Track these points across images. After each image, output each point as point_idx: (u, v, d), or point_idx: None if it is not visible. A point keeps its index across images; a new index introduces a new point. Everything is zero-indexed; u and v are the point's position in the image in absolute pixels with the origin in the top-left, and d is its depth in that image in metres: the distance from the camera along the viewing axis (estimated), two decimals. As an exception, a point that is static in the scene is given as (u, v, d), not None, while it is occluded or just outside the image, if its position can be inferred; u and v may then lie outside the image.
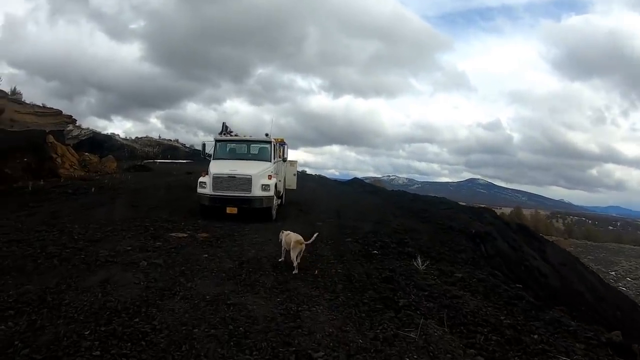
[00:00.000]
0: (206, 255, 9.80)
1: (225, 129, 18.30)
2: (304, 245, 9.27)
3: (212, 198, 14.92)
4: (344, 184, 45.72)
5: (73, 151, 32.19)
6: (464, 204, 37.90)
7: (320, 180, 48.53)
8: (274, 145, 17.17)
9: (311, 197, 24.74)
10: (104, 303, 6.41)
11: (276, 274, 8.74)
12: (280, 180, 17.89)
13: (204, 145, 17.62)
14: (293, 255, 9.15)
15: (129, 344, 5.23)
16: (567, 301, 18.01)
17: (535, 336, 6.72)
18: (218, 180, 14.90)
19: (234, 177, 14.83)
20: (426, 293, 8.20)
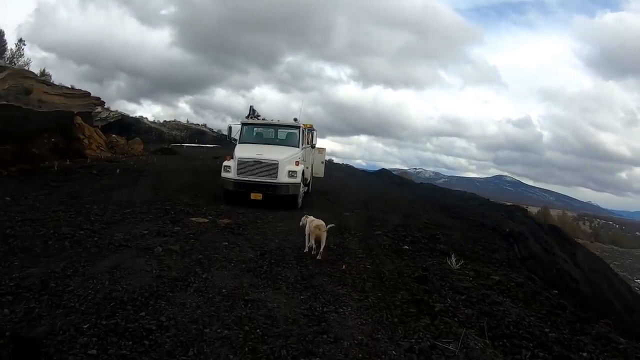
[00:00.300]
0: (226, 243, 9.21)
1: (252, 113, 17.68)
2: (325, 232, 8.82)
3: (237, 183, 14.31)
4: (372, 175, 44.63)
5: (100, 133, 32.11)
6: (493, 201, 36.86)
7: (348, 169, 47.55)
8: (303, 130, 16.48)
9: (338, 186, 24.03)
10: (109, 292, 5.84)
11: (300, 267, 8.08)
12: (307, 168, 17.21)
13: (230, 128, 17.01)
14: (311, 241, 8.88)
15: (130, 342, 4.64)
16: (597, 309, 17.08)
17: (585, 354, 5.98)
18: (243, 165, 14.29)
19: (260, 161, 14.20)
20: (463, 297, 7.43)
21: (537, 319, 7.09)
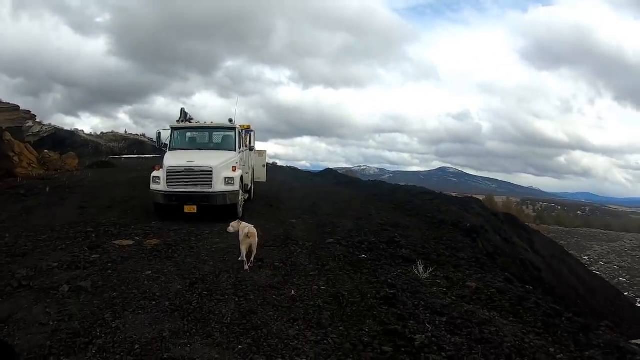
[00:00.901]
0: (149, 272, 7.59)
1: (184, 116, 15.88)
2: (254, 240, 8.18)
3: (167, 195, 12.58)
4: (317, 176, 42.83)
5: (32, 149, 29.90)
6: (453, 194, 36.24)
7: (292, 172, 45.58)
8: (239, 132, 14.89)
9: (283, 190, 22.47)
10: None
11: (239, 299, 6.52)
12: (247, 173, 15.70)
13: (159, 134, 15.21)
14: (243, 250, 8.16)
15: None
16: (563, 295, 16.42)
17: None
18: (173, 174, 12.56)
19: (192, 169, 12.50)
20: (444, 319, 6.09)
21: (535, 336, 5.93)
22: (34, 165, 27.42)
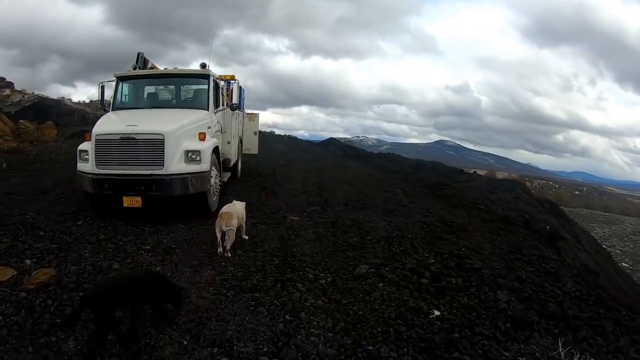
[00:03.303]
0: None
1: (142, 63, 10.90)
2: (225, 226, 6.33)
3: (96, 180, 7.74)
4: (319, 146, 37.03)
5: (6, 119, 28.21)
6: (485, 173, 31.47)
7: (291, 141, 39.73)
8: (216, 82, 9.90)
9: (280, 164, 17.52)
10: None
11: None
12: (229, 142, 10.86)
13: (102, 88, 10.02)
14: (217, 231, 6.43)
15: None
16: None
17: None
18: (104, 147, 7.71)
19: (132, 138, 7.57)
20: None
21: None
22: (6, 137, 25.15)
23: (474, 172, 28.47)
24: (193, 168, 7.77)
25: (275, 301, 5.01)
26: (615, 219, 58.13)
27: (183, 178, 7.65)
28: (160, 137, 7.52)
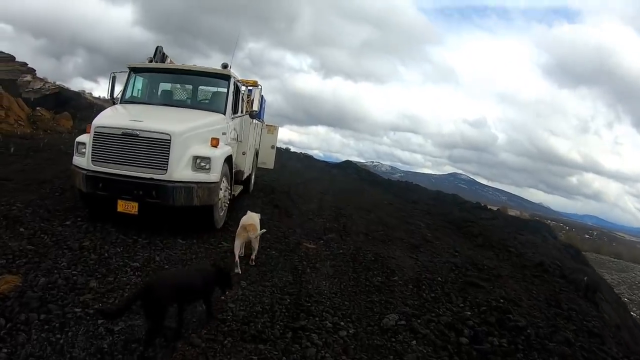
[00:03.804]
0: None
1: (160, 57, 9.98)
2: (253, 235, 6.03)
3: (91, 178, 6.76)
4: (336, 168, 35.93)
5: (23, 104, 26.22)
6: (497, 209, 30.33)
7: (306, 160, 38.71)
8: (236, 85, 8.98)
9: (295, 183, 16.55)
10: None
11: None
12: (244, 153, 9.88)
13: (113, 79, 9.03)
14: (236, 246, 5.94)
15: None
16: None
17: None
18: (104, 141, 6.74)
19: (135, 135, 6.61)
20: None
21: None
22: (21, 122, 23.66)
23: (497, 209, 27.33)
24: (200, 177, 6.78)
25: (284, 358, 3.94)
26: (624, 266, 57.18)
27: (188, 187, 6.65)
28: (167, 137, 6.54)
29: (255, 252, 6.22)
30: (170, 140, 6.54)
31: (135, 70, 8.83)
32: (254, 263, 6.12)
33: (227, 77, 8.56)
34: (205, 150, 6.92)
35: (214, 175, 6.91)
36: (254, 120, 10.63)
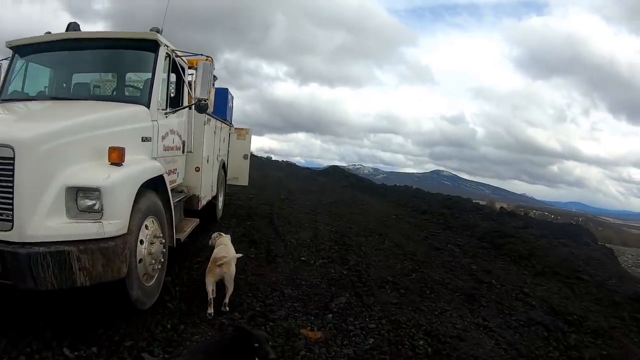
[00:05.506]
0: None
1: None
2: (226, 269, 4.57)
3: None
4: (321, 174, 32.19)
5: None
6: (484, 203, 27.44)
7: (289, 168, 34.93)
8: (171, 60, 5.57)
9: (279, 199, 13.20)
10: None
11: None
12: (198, 169, 6.58)
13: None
14: (208, 283, 4.54)
15: None
16: None
17: None
18: None
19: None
20: None
21: None
22: None
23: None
24: (84, 229, 3.36)
25: None
26: (616, 251, 55.17)
27: (58, 253, 3.20)
28: (6, 151, 3.15)
29: (230, 292, 4.68)
30: (13, 157, 3.16)
31: (20, 52, 5.44)
32: (227, 308, 4.58)
33: (153, 47, 5.19)
34: (91, 173, 3.49)
35: (113, 222, 3.45)
36: (217, 121, 7.34)
